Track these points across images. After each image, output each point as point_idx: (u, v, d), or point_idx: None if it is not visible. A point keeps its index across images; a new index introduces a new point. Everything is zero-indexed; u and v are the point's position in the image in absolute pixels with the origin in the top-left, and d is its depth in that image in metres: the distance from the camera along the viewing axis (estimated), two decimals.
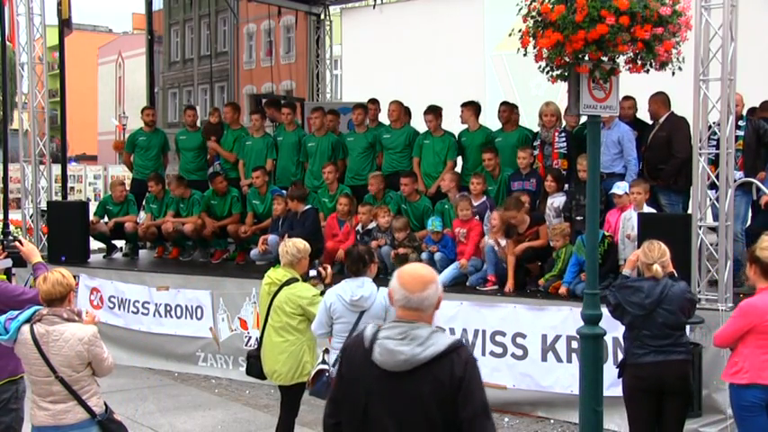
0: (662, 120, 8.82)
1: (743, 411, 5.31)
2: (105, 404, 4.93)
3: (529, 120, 10.51)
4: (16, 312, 4.85)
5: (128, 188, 12.41)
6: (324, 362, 5.77)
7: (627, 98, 8.74)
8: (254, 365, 6.44)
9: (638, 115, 9.49)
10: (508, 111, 10.11)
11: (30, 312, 4.78)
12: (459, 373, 3.17)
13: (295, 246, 6.24)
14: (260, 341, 6.41)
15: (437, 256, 9.01)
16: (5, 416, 5.33)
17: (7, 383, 5.32)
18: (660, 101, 8.83)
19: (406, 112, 11.03)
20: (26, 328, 4.71)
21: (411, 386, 3.18)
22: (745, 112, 8.77)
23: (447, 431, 3.19)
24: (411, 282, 3.27)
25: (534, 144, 9.58)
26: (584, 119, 8.00)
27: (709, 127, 7.34)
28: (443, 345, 3.19)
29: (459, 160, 10.47)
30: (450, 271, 8.79)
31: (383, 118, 11.36)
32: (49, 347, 4.65)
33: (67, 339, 4.66)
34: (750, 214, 8.70)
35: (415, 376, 3.17)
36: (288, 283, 6.14)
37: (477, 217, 9.13)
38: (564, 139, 9.26)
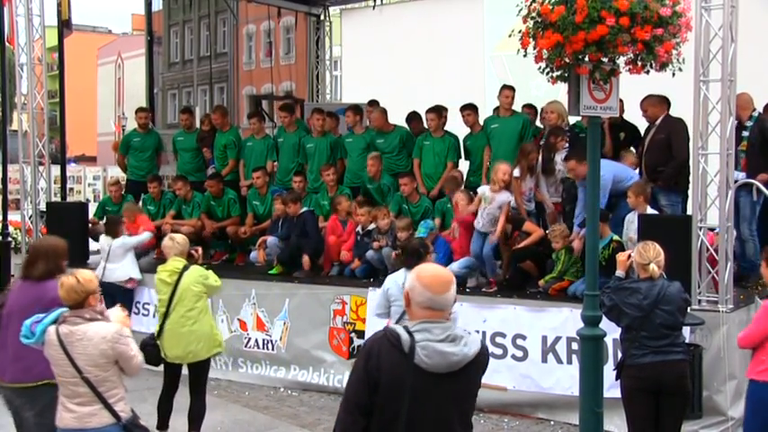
0: (659, 122, 8.82)
1: (764, 406, 5.43)
2: (132, 410, 4.91)
3: None
4: (42, 315, 4.85)
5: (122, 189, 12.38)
6: None
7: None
8: (152, 353, 6.78)
9: (633, 118, 9.50)
10: (510, 95, 9.96)
11: (55, 315, 4.79)
12: (485, 365, 3.40)
13: (183, 238, 7.16)
14: (160, 328, 6.86)
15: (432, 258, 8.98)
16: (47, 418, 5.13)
17: (45, 386, 5.23)
18: (656, 102, 8.83)
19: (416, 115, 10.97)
20: (52, 329, 4.72)
21: (454, 385, 3.27)
22: (756, 114, 8.75)
23: (470, 422, 3.39)
24: (434, 283, 3.32)
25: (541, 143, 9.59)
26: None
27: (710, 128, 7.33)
28: (479, 342, 3.32)
29: (466, 163, 10.45)
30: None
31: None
32: (73, 347, 4.65)
33: (91, 338, 4.66)
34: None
35: (458, 375, 3.25)
36: (186, 268, 6.87)
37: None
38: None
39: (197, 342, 6.82)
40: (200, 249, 7.63)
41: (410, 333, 3.24)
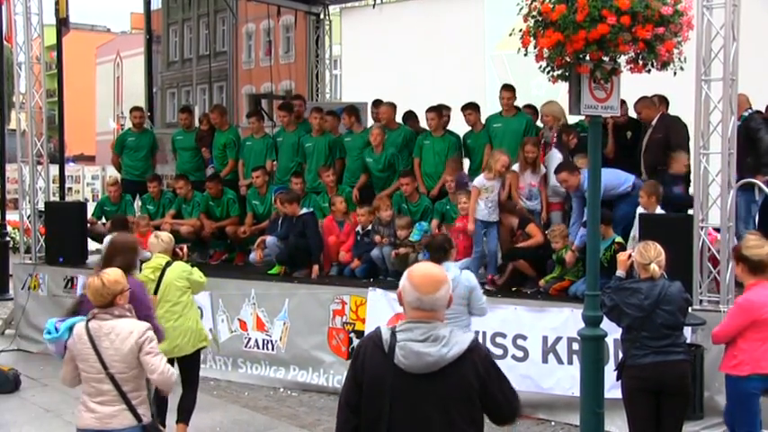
0: (655, 121, 8.78)
1: (741, 399, 5.56)
2: (153, 414, 4.89)
3: None
4: (64, 317, 4.93)
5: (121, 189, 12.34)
6: None
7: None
8: None
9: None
10: (509, 96, 9.91)
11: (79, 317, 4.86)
12: (484, 367, 3.26)
13: (168, 236, 7.25)
14: None
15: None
16: None
17: None
18: (650, 104, 8.80)
19: (412, 114, 10.91)
20: (81, 324, 4.75)
21: (436, 386, 3.21)
22: (747, 113, 8.72)
23: (466, 428, 3.25)
24: (423, 283, 3.28)
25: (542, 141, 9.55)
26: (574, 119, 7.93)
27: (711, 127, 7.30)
28: (466, 343, 3.23)
29: (466, 162, 10.42)
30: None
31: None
32: (101, 341, 4.66)
33: (118, 333, 4.68)
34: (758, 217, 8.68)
35: (439, 376, 3.19)
36: (168, 264, 6.97)
37: None
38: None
39: (182, 337, 6.88)
40: (184, 248, 7.62)
41: (394, 333, 3.24)
